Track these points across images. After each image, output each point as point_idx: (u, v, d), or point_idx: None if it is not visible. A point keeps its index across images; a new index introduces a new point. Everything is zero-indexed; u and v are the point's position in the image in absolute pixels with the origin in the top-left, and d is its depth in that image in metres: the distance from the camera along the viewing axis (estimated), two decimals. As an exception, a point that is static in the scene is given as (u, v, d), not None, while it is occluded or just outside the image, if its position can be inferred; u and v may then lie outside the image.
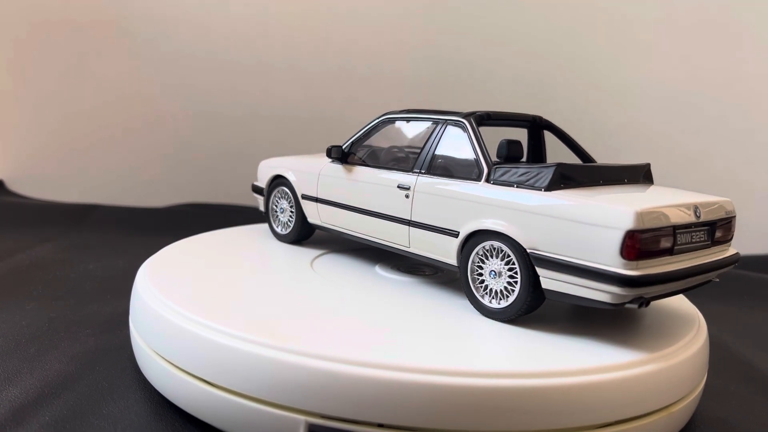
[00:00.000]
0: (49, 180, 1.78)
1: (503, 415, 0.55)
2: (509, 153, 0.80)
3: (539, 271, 0.66)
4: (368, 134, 0.92)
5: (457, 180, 0.76)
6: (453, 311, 0.73)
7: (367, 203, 0.87)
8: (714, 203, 0.70)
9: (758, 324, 1.14)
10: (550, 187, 0.67)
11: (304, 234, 1.02)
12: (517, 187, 0.70)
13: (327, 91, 1.70)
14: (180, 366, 0.64)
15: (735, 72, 1.55)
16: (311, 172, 0.97)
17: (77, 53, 1.74)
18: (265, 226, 1.11)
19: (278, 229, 1.05)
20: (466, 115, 0.79)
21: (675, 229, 0.63)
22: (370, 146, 0.92)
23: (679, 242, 0.64)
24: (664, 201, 0.65)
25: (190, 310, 0.67)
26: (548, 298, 0.67)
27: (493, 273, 0.71)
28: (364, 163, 0.90)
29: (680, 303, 0.83)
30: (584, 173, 0.71)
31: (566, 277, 0.64)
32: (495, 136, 0.82)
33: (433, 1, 1.63)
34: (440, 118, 0.82)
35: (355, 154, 0.92)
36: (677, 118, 1.58)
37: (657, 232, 0.61)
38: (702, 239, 0.67)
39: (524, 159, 0.87)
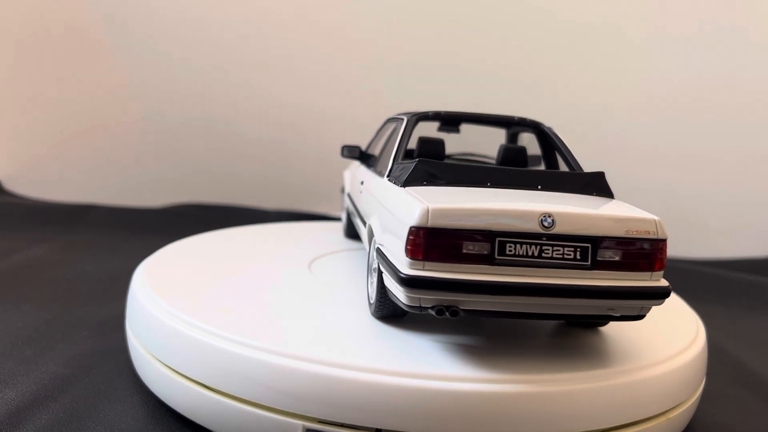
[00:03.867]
0: (45, 179, 1.77)
1: (502, 420, 0.55)
2: (503, 159, 0.79)
3: (382, 267, 0.63)
4: (376, 136, 0.96)
5: (378, 176, 0.78)
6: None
7: (356, 200, 0.91)
8: (603, 218, 0.57)
9: (757, 327, 1.15)
10: (406, 183, 0.65)
11: (353, 230, 1.05)
12: (393, 183, 0.69)
13: (327, 91, 1.70)
14: (177, 369, 0.64)
15: (735, 73, 1.55)
16: (349, 172, 1.07)
17: (74, 53, 1.73)
18: (263, 226, 1.12)
19: (343, 225, 1.12)
20: (411, 114, 0.80)
21: (495, 235, 0.55)
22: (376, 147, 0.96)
23: (508, 252, 0.55)
24: (499, 204, 0.57)
25: (187, 312, 0.66)
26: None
27: (374, 269, 0.68)
28: (364, 163, 0.95)
29: (679, 307, 0.84)
30: (460, 173, 0.66)
31: (388, 274, 0.60)
32: (493, 141, 0.82)
33: (434, 2, 1.63)
34: (398, 116, 0.84)
35: (368, 155, 0.96)
36: (676, 118, 1.58)
37: (456, 234, 0.55)
38: (565, 256, 0.56)
39: (542, 166, 0.85)
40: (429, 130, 0.89)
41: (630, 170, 1.60)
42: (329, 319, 0.68)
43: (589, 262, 0.56)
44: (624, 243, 0.56)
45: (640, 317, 0.59)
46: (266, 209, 1.71)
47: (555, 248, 0.56)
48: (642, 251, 0.57)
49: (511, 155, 0.78)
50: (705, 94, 1.56)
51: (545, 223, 0.55)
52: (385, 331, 0.66)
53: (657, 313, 0.80)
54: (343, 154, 1.00)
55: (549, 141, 0.81)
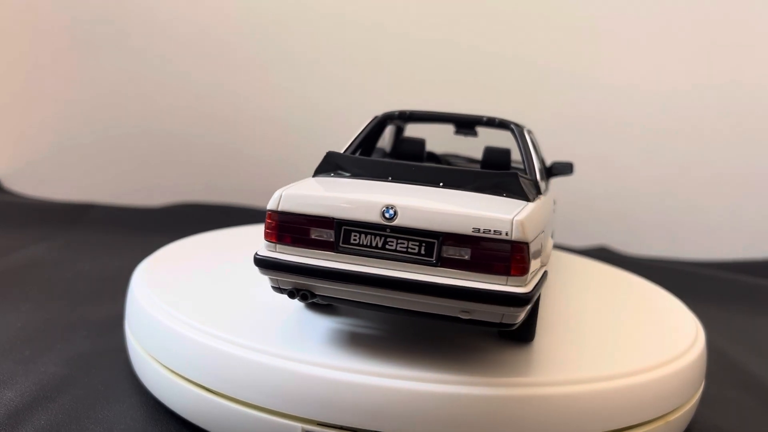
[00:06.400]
0: (44, 178, 1.77)
1: (500, 423, 0.55)
2: (484, 160, 0.78)
3: None
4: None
5: None
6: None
7: None
8: (448, 213, 0.55)
9: (756, 330, 1.15)
10: (315, 173, 0.68)
11: None
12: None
13: (327, 91, 1.69)
14: (176, 371, 0.64)
15: (735, 73, 1.55)
16: None
17: (74, 53, 1.73)
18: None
19: None
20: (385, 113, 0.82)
21: (341, 224, 0.56)
22: None
23: (352, 241, 0.56)
24: (344, 194, 0.58)
25: (186, 313, 0.66)
26: None
27: None
28: None
29: (678, 311, 0.84)
30: (363, 165, 0.67)
31: None
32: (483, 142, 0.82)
33: (435, 2, 1.63)
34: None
35: None
36: (675, 119, 1.58)
37: (304, 220, 0.57)
38: (408, 251, 0.55)
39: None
40: (446, 133, 0.90)
41: (630, 170, 1.60)
42: (329, 321, 0.68)
43: (433, 259, 0.55)
44: (471, 242, 0.54)
45: (507, 326, 0.55)
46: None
47: (399, 241, 0.55)
48: (493, 253, 0.53)
49: (493, 156, 0.78)
50: (705, 93, 1.56)
51: (386, 215, 0.55)
52: (386, 334, 0.66)
53: (656, 315, 0.81)
54: None
55: (516, 140, 0.80)
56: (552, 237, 0.85)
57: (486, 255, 0.53)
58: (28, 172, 1.78)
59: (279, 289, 0.60)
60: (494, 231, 0.53)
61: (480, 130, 0.86)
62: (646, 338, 0.71)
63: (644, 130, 1.60)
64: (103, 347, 0.83)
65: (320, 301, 0.60)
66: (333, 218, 0.56)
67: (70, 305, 0.98)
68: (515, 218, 0.53)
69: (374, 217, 0.55)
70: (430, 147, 0.93)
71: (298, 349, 0.59)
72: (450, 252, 0.54)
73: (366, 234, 0.56)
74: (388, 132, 0.95)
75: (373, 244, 0.56)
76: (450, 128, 0.88)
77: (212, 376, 0.60)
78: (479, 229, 0.54)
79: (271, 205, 0.59)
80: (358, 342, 0.62)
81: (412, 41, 1.65)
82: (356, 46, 1.67)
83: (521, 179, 0.62)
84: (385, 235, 0.56)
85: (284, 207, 0.58)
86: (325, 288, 0.57)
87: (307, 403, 0.56)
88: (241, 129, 1.74)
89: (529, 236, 0.53)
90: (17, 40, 1.74)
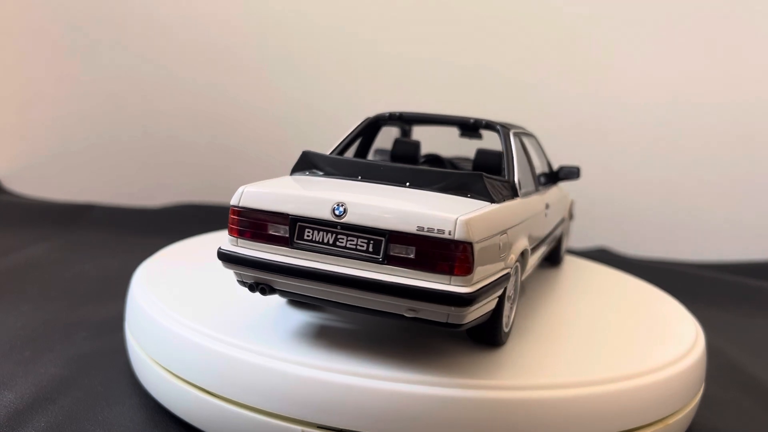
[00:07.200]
0: (44, 178, 1.77)
1: (499, 427, 0.55)
2: (474, 162, 0.78)
3: None
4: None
5: None
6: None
7: None
8: (395, 211, 0.55)
9: (757, 332, 1.14)
10: (292, 171, 0.71)
11: None
12: None
13: (326, 90, 1.69)
14: (176, 373, 0.64)
15: (734, 74, 1.55)
16: None
17: (74, 53, 1.73)
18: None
19: None
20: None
21: (296, 220, 0.58)
22: None
23: (306, 237, 0.57)
24: (297, 191, 0.60)
25: (187, 315, 0.66)
26: None
27: None
28: None
29: (678, 313, 0.83)
30: (335, 164, 0.69)
31: None
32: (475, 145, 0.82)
33: (436, 3, 1.63)
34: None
35: None
36: (675, 120, 1.58)
37: (257, 214, 0.59)
38: (357, 248, 0.56)
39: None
40: (452, 136, 0.90)
41: (630, 171, 1.60)
42: (330, 324, 0.68)
43: (380, 256, 0.55)
44: (416, 240, 0.54)
45: (455, 326, 0.55)
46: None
47: (349, 238, 0.56)
48: (437, 252, 0.53)
49: (484, 159, 0.77)
50: (706, 93, 1.56)
51: (336, 212, 0.56)
52: (386, 336, 0.66)
53: (656, 317, 0.81)
54: None
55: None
56: (546, 240, 0.84)
57: (430, 254, 0.54)
58: (28, 173, 1.78)
59: (243, 283, 0.62)
60: (438, 230, 0.53)
61: (485, 133, 0.86)
62: (646, 341, 0.71)
63: (644, 131, 1.60)
64: (103, 348, 0.83)
65: (283, 297, 0.62)
66: (288, 214, 0.58)
67: (70, 306, 0.98)
68: (460, 218, 0.53)
69: (325, 214, 0.57)
70: (438, 150, 0.94)
71: (298, 351, 0.59)
72: (396, 250, 0.55)
73: (318, 230, 0.57)
74: (395, 133, 0.96)
75: (325, 241, 0.57)
76: (455, 131, 0.89)
77: (212, 379, 0.60)
78: (423, 228, 0.54)
79: (233, 201, 0.61)
80: (359, 345, 0.62)
81: (413, 41, 1.65)
82: (357, 46, 1.67)
83: (487, 180, 0.63)
84: (335, 232, 0.57)
85: (244, 203, 0.60)
86: (281, 283, 0.59)
87: (307, 405, 0.56)
88: (241, 130, 1.74)
89: (474, 236, 0.53)
90: (17, 41, 1.74)
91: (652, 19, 1.56)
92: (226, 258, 0.60)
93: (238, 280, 0.63)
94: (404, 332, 0.67)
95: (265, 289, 0.60)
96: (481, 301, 0.55)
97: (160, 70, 1.73)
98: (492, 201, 0.61)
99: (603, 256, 1.52)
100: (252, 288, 0.61)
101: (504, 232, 0.60)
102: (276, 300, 0.75)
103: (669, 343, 0.70)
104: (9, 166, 1.79)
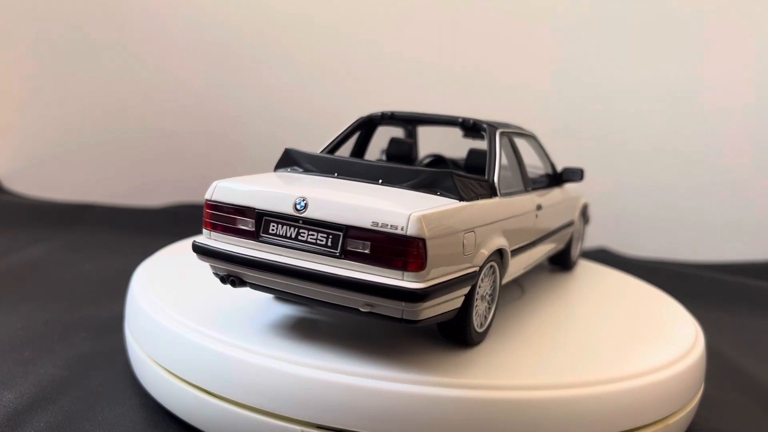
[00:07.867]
0: (44, 178, 1.77)
1: (497, 427, 0.55)
2: (466, 161, 0.78)
3: None
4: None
5: None
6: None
7: None
8: (351, 206, 0.56)
9: (757, 332, 1.15)
10: (276, 168, 0.72)
11: None
12: None
13: (326, 89, 1.69)
14: (176, 373, 0.64)
15: (737, 72, 1.55)
16: None
17: (74, 53, 1.73)
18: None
19: None
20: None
21: (262, 215, 0.59)
22: None
23: (271, 231, 0.59)
24: (262, 186, 0.61)
25: (187, 315, 0.66)
26: None
27: None
28: None
29: (678, 313, 0.84)
30: (314, 161, 0.70)
31: None
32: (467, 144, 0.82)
33: (436, 3, 1.63)
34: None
35: None
36: (675, 120, 1.58)
37: (229, 209, 0.61)
38: (317, 242, 0.57)
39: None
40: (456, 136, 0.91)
41: (630, 171, 1.60)
42: (329, 324, 0.68)
43: (338, 251, 0.56)
44: (370, 235, 0.55)
45: (410, 322, 0.56)
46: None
47: (310, 233, 0.58)
48: (389, 247, 0.54)
49: (474, 158, 0.77)
50: (706, 94, 1.56)
51: (298, 206, 0.58)
52: (386, 336, 0.66)
53: (655, 318, 0.81)
54: None
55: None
56: (541, 242, 0.83)
57: (384, 249, 0.54)
58: (28, 172, 1.78)
59: (216, 275, 0.64)
60: (391, 225, 0.54)
61: None
62: (645, 341, 0.71)
63: (644, 132, 1.60)
64: (103, 349, 0.83)
65: (254, 290, 0.63)
66: (254, 209, 0.60)
67: (70, 306, 0.98)
68: (413, 214, 0.53)
69: (287, 209, 0.58)
70: (444, 151, 0.94)
71: (298, 351, 0.59)
72: (353, 245, 0.56)
73: (282, 224, 0.59)
74: (401, 134, 0.96)
75: (288, 235, 0.58)
76: (460, 132, 0.89)
77: (212, 379, 0.60)
78: (378, 223, 0.54)
79: (207, 195, 0.63)
80: (359, 346, 0.62)
81: (413, 41, 1.65)
82: (357, 45, 1.67)
83: (457, 179, 0.63)
84: (297, 226, 0.58)
85: (216, 197, 0.62)
86: (249, 275, 0.61)
87: (306, 405, 0.56)
88: (241, 129, 1.74)
89: (427, 233, 0.53)
90: (18, 41, 1.74)
91: (652, 20, 1.56)
92: (200, 250, 0.62)
93: (213, 273, 0.65)
94: (404, 332, 0.67)
95: (235, 281, 0.62)
96: (436, 297, 0.55)
97: (160, 70, 1.73)
98: (461, 199, 0.61)
99: (603, 256, 1.52)
100: (223, 280, 0.63)
101: (470, 230, 0.60)
102: (275, 301, 0.75)
103: (669, 343, 0.70)
104: (9, 166, 1.79)
